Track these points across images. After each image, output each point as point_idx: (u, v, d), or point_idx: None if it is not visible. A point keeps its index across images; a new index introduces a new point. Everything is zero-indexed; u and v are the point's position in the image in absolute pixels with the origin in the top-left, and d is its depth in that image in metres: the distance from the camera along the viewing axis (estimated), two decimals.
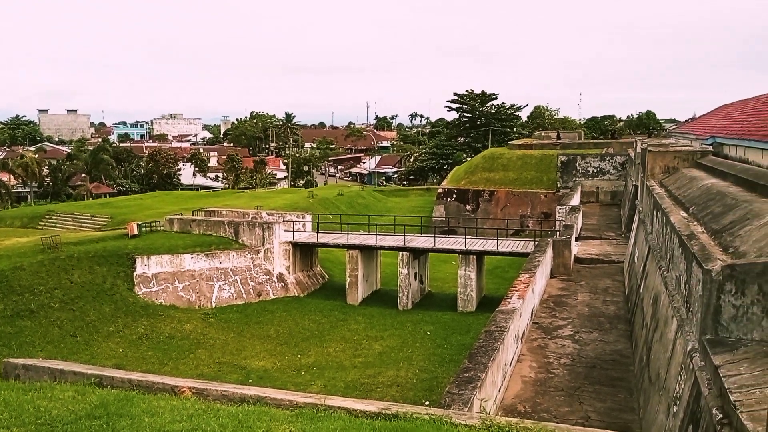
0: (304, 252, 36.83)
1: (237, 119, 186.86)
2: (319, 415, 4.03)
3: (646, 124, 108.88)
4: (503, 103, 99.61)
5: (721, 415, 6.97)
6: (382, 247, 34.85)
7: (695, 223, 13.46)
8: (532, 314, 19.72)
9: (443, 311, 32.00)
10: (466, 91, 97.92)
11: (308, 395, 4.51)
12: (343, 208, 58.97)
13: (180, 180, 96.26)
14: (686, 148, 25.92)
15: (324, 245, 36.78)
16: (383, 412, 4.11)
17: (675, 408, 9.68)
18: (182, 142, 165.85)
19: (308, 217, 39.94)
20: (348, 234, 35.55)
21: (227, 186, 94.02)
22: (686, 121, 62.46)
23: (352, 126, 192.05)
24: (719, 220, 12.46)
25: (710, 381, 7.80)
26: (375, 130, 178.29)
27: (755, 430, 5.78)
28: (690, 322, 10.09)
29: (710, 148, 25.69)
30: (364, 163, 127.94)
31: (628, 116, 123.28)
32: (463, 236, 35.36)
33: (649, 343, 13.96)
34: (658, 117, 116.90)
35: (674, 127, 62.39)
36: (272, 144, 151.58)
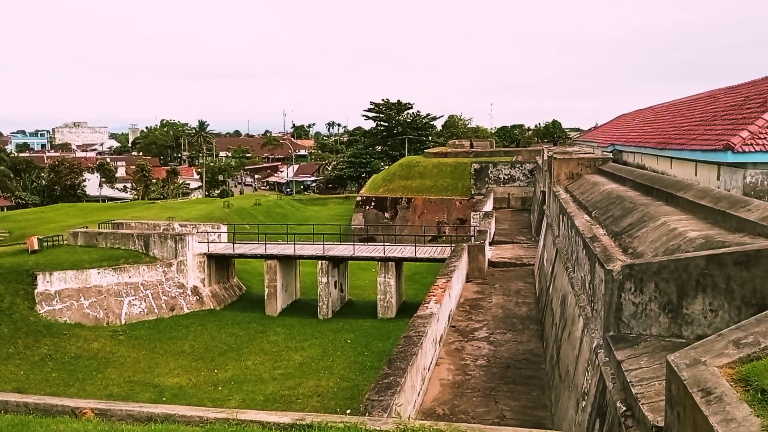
0: (219, 264, 35.86)
1: (146, 127, 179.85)
2: (230, 430, 3.91)
3: (553, 132, 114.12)
4: (418, 112, 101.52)
5: (624, 408, 7.36)
6: (301, 257, 34.52)
7: (597, 226, 14.20)
8: (449, 318, 20.11)
9: (364, 318, 32.05)
10: (383, 100, 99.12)
11: (219, 410, 4.37)
12: (261, 218, 57.96)
13: (85, 191, 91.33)
14: (589, 155, 27.37)
15: (241, 256, 35.98)
16: (297, 423, 4.04)
17: (583, 403, 10.13)
18: (87, 151, 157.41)
19: (224, 228, 38.96)
20: (266, 244, 34.96)
21: (137, 197, 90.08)
22: (589, 129, 66.00)
23: (268, 134, 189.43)
24: (619, 222, 13.21)
25: (614, 375, 8.22)
26: (292, 139, 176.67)
27: (655, 420, 6.13)
28: (595, 320, 10.61)
29: (611, 155, 27.26)
30: (281, 171, 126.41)
31: (536, 125, 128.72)
32: (382, 243, 35.63)
33: (558, 341, 14.56)
34: (564, 126, 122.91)
35: (578, 135, 65.77)
36: (185, 153, 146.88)
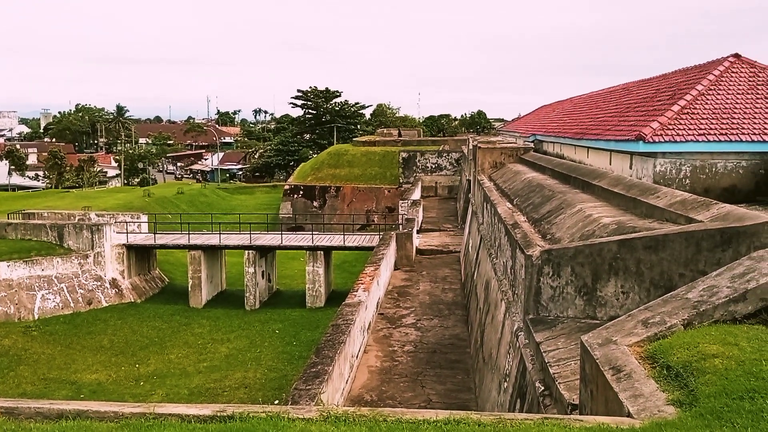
0: (140, 255, 34.57)
1: (60, 112, 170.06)
2: (147, 425, 3.78)
3: (478, 122, 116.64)
4: (347, 101, 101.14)
5: (543, 388, 7.65)
6: (227, 247, 33.78)
7: (519, 213, 14.65)
8: (377, 305, 20.25)
9: (292, 308, 31.80)
10: (310, 87, 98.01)
11: (135, 405, 4.21)
12: (184, 207, 56.26)
13: None
14: (511, 145, 28.15)
15: (163, 247, 34.81)
16: (218, 414, 3.95)
17: (505, 384, 10.47)
18: None
19: (144, 218, 37.52)
20: (189, 234, 33.96)
21: (49, 186, 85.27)
22: (513, 120, 67.88)
23: (191, 121, 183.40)
24: (539, 209, 13.67)
25: (533, 357, 8.52)
26: (217, 126, 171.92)
27: (570, 398, 6.41)
28: (516, 303, 10.96)
29: (532, 144, 28.15)
30: (205, 159, 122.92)
31: (462, 115, 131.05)
32: (311, 232, 35.39)
33: (482, 325, 14.96)
34: (489, 116, 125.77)
35: (502, 125, 67.51)
36: (102, 139, 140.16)
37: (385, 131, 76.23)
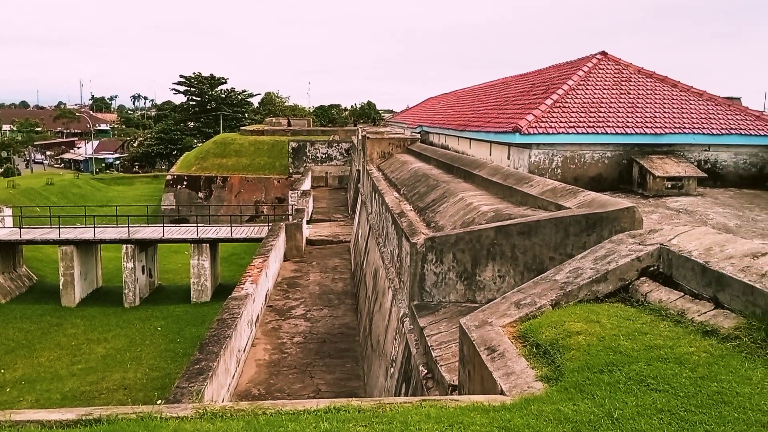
0: (4, 251, 31.65)
1: None
2: None
3: (368, 113, 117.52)
4: (233, 88, 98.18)
5: (426, 371, 7.87)
6: (103, 241, 31.73)
7: (405, 202, 14.94)
8: (266, 298, 19.91)
9: (176, 304, 30.51)
10: (194, 73, 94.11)
11: None
12: (54, 199, 52.18)
13: None
14: (399, 135, 28.62)
15: (30, 242, 32.05)
16: (83, 418, 3.69)
17: (392, 370, 10.67)
18: None
19: (8, 211, 34.35)
20: (60, 228, 31.53)
21: None
22: (401, 111, 69.07)
23: (62, 106, 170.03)
24: (424, 198, 14.02)
25: (417, 341, 8.74)
26: (91, 112, 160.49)
27: (451, 379, 6.64)
28: (402, 290, 11.18)
29: (419, 135, 28.80)
30: (79, 148, 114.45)
31: (352, 106, 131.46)
32: (196, 224, 34.07)
33: (371, 313, 15.15)
34: (378, 107, 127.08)
35: (391, 116, 68.54)
36: None
37: (274, 120, 74.88)
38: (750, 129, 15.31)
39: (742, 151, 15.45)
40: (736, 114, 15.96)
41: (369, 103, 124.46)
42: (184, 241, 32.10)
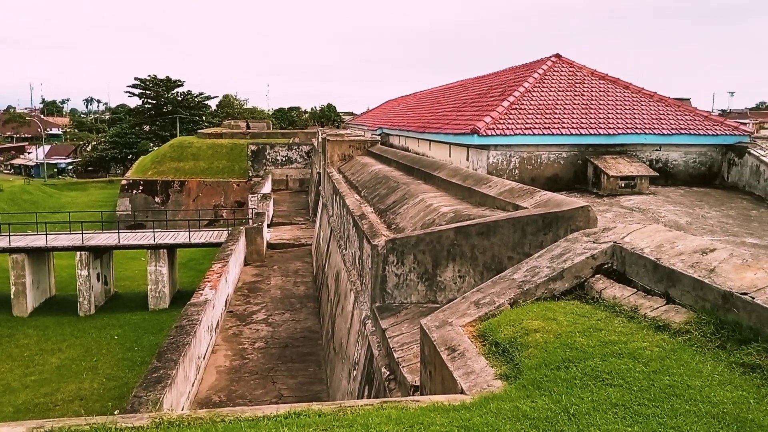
0: None
1: None
2: None
3: (328, 115, 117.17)
4: (190, 90, 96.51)
5: (388, 372, 7.88)
6: (55, 248, 30.76)
7: (366, 204, 14.94)
8: (226, 303, 19.64)
9: (133, 312, 29.80)
10: (150, 76, 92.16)
11: None
12: (4, 206, 50.40)
13: None
14: (360, 137, 28.62)
15: None
16: (35, 431, 3.57)
17: (355, 372, 10.65)
18: None
19: None
20: (10, 236, 30.45)
21: None
22: (362, 113, 69.12)
23: (11, 110, 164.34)
24: (385, 200, 14.05)
25: (380, 343, 8.75)
26: (42, 116, 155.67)
27: (412, 380, 6.66)
28: (364, 293, 11.17)
29: (379, 137, 28.86)
30: (29, 153, 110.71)
31: (312, 108, 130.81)
32: (152, 230, 33.35)
33: (333, 316, 15.10)
34: (339, 110, 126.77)
35: (351, 119, 68.50)
36: None
37: (232, 123, 73.92)
38: (699, 129, 15.84)
39: (692, 150, 15.97)
40: (686, 114, 16.49)
41: (329, 106, 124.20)
42: (141, 247, 31.39)
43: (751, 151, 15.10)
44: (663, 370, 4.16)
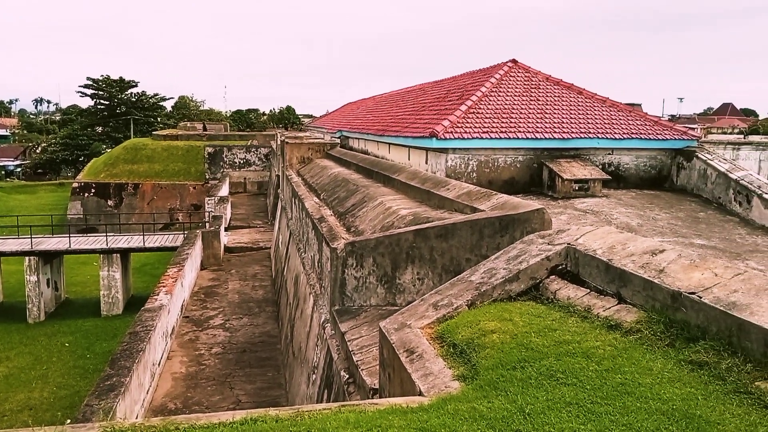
0: None
1: None
2: None
3: (287, 118, 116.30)
4: (144, 91, 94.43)
5: (347, 376, 7.85)
6: (3, 253, 29.65)
7: (325, 207, 14.88)
8: (182, 308, 19.26)
9: (85, 318, 28.94)
10: (102, 76, 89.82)
11: None
12: None
13: None
14: (319, 140, 28.51)
15: None
16: None
17: (314, 376, 10.58)
18: None
19: None
20: None
21: None
22: (321, 116, 68.84)
23: None
24: (344, 203, 14.02)
25: (339, 347, 8.71)
26: None
27: (372, 383, 6.65)
28: (323, 296, 11.12)
29: (338, 140, 28.79)
30: None
31: (271, 110, 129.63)
32: (105, 234, 32.46)
33: (292, 320, 14.97)
34: (298, 112, 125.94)
35: (311, 121, 68.16)
36: None
37: (188, 125, 72.72)
38: (649, 133, 16.32)
39: (642, 154, 16.44)
40: (637, 120, 16.97)
41: (288, 108, 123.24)
42: (93, 251, 30.52)
43: (699, 155, 15.64)
44: (615, 369, 4.26)
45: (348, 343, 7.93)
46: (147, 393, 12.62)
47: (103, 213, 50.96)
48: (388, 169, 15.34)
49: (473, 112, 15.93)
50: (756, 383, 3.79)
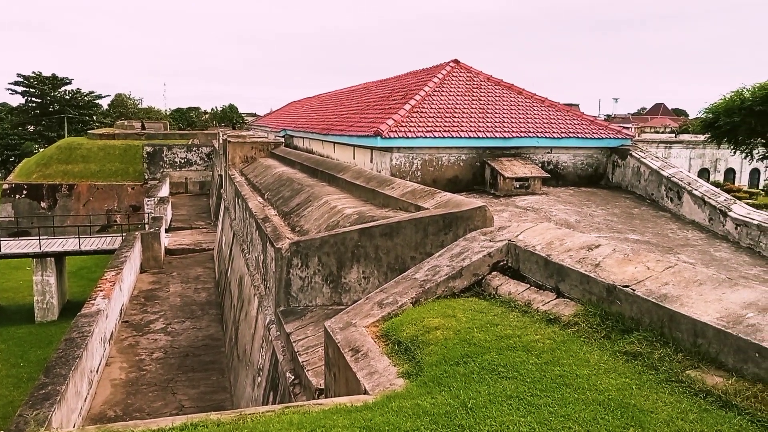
0: None
1: None
2: None
3: (230, 116, 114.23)
4: (79, 89, 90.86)
5: (293, 377, 7.78)
6: None
7: (270, 207, 14.70)
8: (121, 313, 18.66)
9: (17, 325, 27.65)
10: (34, 73, 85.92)
11: None
12: None
13: None
14: (263, 139, 28.13)
15: None
16: None
17: (259, 379, 10.44)
18: None
19: None
20: None
21: None
22: (265, 115, 67.94)
23: None
24: (289, 203, 13.88)
25: (284, 348, 8.62)
26: None
27: (317, 383, 6.62)
28: (268, 297, 10.98)
29: (283, 139, 28.49)
30: None
31: (213, 109, 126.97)
32: (38, 237, 31.07)
33: (237, 322, 14.72)
34: (241, 111, 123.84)
35: (254, 120, 67.14)
36: None
37: (126, 123, 70.36)
38: (586, 133, 16.85)
39: (580, 153, 16.96)
40: (574, 119, 17.49)
41: (231, 106, 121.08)
42: (25, 255, 29.17)
43: (633, 154, 16.25)
44: (554, 362, 4.37)
45: (293, 344, 7.86)
46: (85, 401, 12.16)
47: (36, 215, 48.75)
48: (333, 168, 15.29)
49: (417, 112, 16.06)
50: (686, 372, 3.96)
